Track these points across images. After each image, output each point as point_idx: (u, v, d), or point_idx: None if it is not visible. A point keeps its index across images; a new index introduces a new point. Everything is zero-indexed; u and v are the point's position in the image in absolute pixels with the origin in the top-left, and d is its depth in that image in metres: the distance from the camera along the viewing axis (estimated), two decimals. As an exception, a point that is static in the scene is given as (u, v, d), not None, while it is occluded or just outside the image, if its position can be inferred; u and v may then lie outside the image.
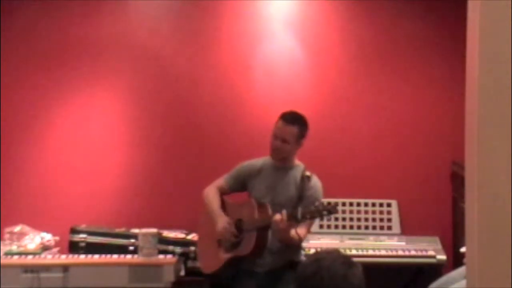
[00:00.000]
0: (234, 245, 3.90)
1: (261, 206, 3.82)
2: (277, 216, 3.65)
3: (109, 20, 5.32)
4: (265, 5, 5.33)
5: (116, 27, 5.32)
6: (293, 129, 3.84)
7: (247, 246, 3.81)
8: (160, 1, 5.35)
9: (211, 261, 4.02)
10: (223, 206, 4.05)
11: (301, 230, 3.76)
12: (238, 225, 3.92)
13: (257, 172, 3.99)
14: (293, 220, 3.65)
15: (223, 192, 4.08)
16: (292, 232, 3.71)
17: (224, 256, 3.93)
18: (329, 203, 3.66)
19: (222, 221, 3.93)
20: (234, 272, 3.95)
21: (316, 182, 3.93)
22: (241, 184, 4.05)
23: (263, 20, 5.33)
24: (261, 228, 3.78)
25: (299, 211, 3.62)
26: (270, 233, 3.80)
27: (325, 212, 3.64)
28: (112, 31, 5.32)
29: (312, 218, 3.75)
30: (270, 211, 3.77)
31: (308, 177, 3.89)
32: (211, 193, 4.06)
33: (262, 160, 4.04)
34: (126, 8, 5.34)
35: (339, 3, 5.34)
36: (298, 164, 3.97)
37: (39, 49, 5.29)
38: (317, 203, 3.69)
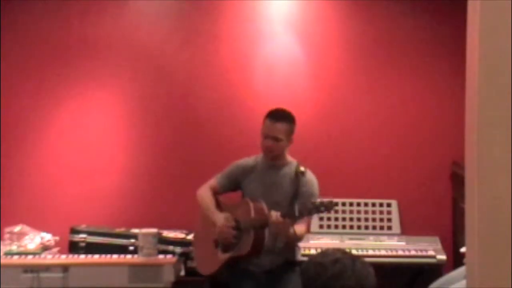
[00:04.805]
0: (232, 246, 3.88)
1: (257, 205, 3.81)
2: (273, 214, 3.64)
3: (109, 20, 5.32)
4: (265, 5, 5.33)
5: (116, 27, 5.32)
6: (282, 126, 3.84)
7: (245, 246, 3.80)
8: (160, 1, 5.35)
9: (209, 262, 4.01)
10: (219, 206, 4.03)
11: (299, 228, 3.76)
12: (235, 225, 3.90)
13: (250, 171, 3.97)
14: (291, 217, 3.64)
15: (216, 192, 4.05)
16: (291, 229, 3.70)
17: (222, 256, 3.91)
18: (326, 200, 3.66)
19: (220, 218, 3.91)
20: (233, 272, 3.94)
21: (311, 177, 3.93)
22: (234, 183, 4.03)
23: (263, 20, 5.32)
24: (258, 227, 3.76)
25: (296, 208, 3.63)
26: (267, 232, 3.79)
27: (322, 208, 3.65)
28: (112, 31, 5.32)
29: (309, 214, 3.77)
30: (266, 210, 3.77)
31: (302, 173, 3.88)
32: (205, 194, 4.04)
33: (254, 158, 4.02)
34: (126, 8, 5.34)
35: (339, 3, 5.34)
36: (291, 161, 3.96)
37: (39, 49, 5.29)
38: (313, 199, 3.70)
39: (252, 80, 5.32)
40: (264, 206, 3.79)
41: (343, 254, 2.19)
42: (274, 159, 3.93)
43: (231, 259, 3.89)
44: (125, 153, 5.36)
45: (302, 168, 3.90)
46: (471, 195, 2.03)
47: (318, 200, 3.68)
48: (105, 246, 4.88)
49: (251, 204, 3.82)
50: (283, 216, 3.63)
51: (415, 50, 5.28)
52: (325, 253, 2.24)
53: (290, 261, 3.91)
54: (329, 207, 3.65)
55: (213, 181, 4.07)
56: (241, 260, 3.87)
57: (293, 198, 3.81)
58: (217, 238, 3.92)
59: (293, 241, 3.85)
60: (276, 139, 3.84)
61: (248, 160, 4.04)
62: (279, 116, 3.87)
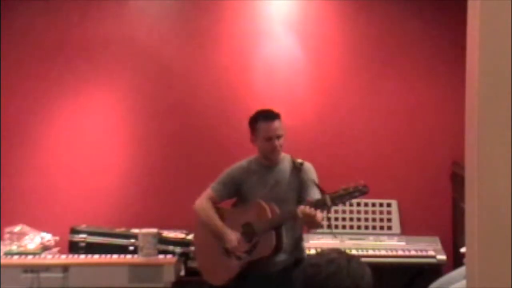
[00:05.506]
0: (249, 250, 3.86)
1: (270, 205, 3.81)
2: (302, 208, 3.59)
3: (109, 20, 5.32)
4: (265, 5, 5.33)
5: (116, 27, 5.32)
6: (279, 123, 3.87)
7: (267, 247, 3.77)
8: (160, 1, 5.35)
9: (222, 271, 3.94)
10: (221, 215, 3.99)
11: (319, 214, 3.70)
12: (246, 229, 3.87)
13: (248, 175, 3.95)
14: (323, 207, 3.63)
15: (214, 202, 4.00)
16: (319, 217, 3.66)
17: (238, 263, 3.87)
18: (359, 185, 3.64)
19: (232, 238, 3.88)
20: (245, 275, 3.89)
21: (308, 165, 3.95)
22: (233, 189, 3.99)
23: (263, 20, 5.33)
24: (277, 226, 3.77)
25: (328, 198, 3.60)
26: (284, 230, 3.80)
27: (356, 194, 3.65)
28: (112, 31, 5.32)
29: (342, 202, 3.75)
30: (277, 209, 3.78)
31: (301, 163, 3.91)
32: (206, 206, 3.98)
33: (246, 162, 4.01)
34: (126, 8, 5.34)
35: (339, 3, 5.34)
36: (284, 155, 3.97)
37: (39, 49, 5.30)
38: (344, 186, 3.67)
39: (252, 80, 5.32)
40: (275, 205, 3.80)
41: (338, 254, 2.19)
42: (277, 158, 3.92)
43: (249, 264, 3.85)
44: (125, 153, 5.36)
45: (299, 160, 3.93)
46: (471, 195, 2.03)
47: (351, 185, 3.64)
48: (105, 246, 4.88)
49: (266, 206, 3.80)
50: (314, 207, 3.59)
51: (415, 50, 5.28)
52: (321, 253, 2.24)
53: (299, 259, 3.91)
54: (363, 191, 3.64)
55: (209, 192, 4.00)
56: (258, 263, 3.84)
57: (299, 188, 3.85)
58: (230, 249, 3.90)
59: (317, 228, 3.87)
60: (279, 137, 3.86)
61: (242, 164, 4.02)
62: (272, 115, 3.89)
